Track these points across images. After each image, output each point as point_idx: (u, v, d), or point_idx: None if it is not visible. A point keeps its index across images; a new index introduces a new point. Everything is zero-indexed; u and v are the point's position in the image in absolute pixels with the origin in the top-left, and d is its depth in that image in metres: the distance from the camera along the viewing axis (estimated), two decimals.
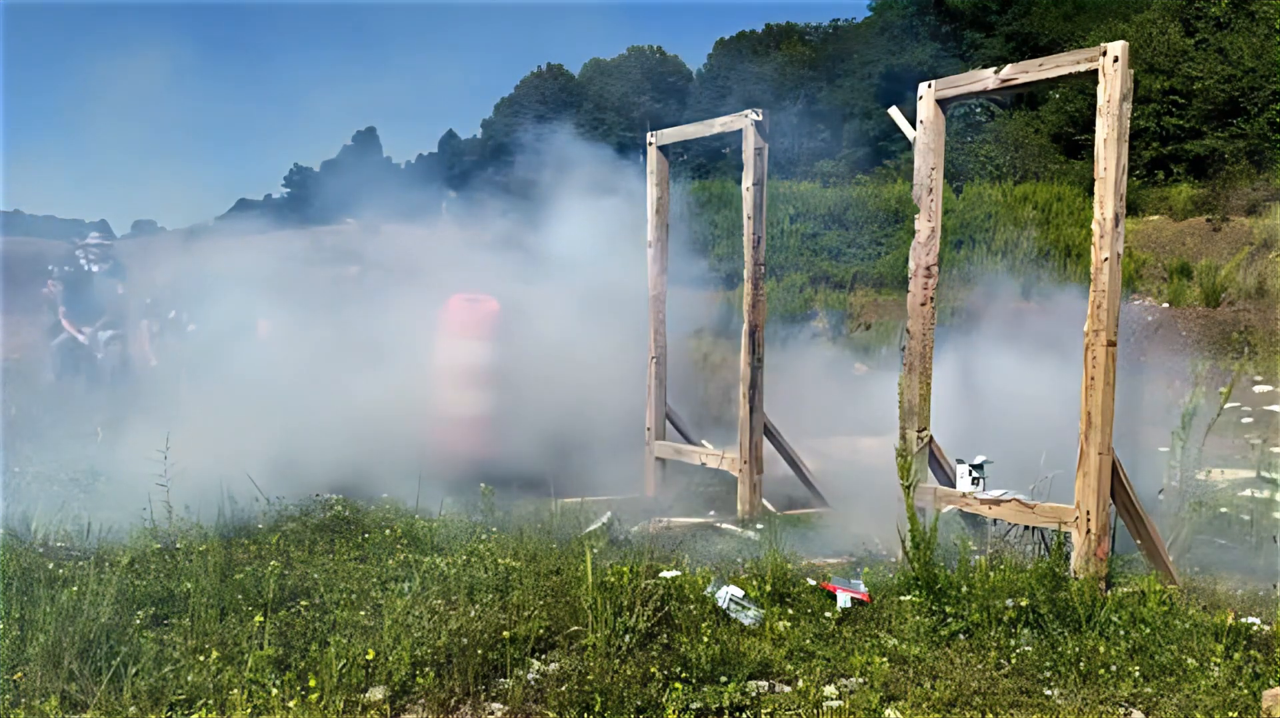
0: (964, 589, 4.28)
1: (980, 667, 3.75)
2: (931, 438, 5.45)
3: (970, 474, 5.31)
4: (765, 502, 6.88)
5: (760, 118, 6.55)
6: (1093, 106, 4.63)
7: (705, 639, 3.75)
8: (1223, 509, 5.75)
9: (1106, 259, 4.54)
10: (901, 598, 4.46)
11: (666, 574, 4.48)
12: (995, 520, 5.25)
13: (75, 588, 3.75)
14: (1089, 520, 4.57)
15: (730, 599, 4.23)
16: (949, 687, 3.54)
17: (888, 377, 13.18)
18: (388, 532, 5.11)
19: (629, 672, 3.52)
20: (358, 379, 7.73)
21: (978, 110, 32.21)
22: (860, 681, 3.59)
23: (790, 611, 4.29)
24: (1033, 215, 19.79)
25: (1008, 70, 5.07)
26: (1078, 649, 3.84)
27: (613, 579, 3.94)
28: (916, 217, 5.46)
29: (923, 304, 5.43)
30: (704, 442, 7.68)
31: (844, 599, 4.38)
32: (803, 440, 8.80)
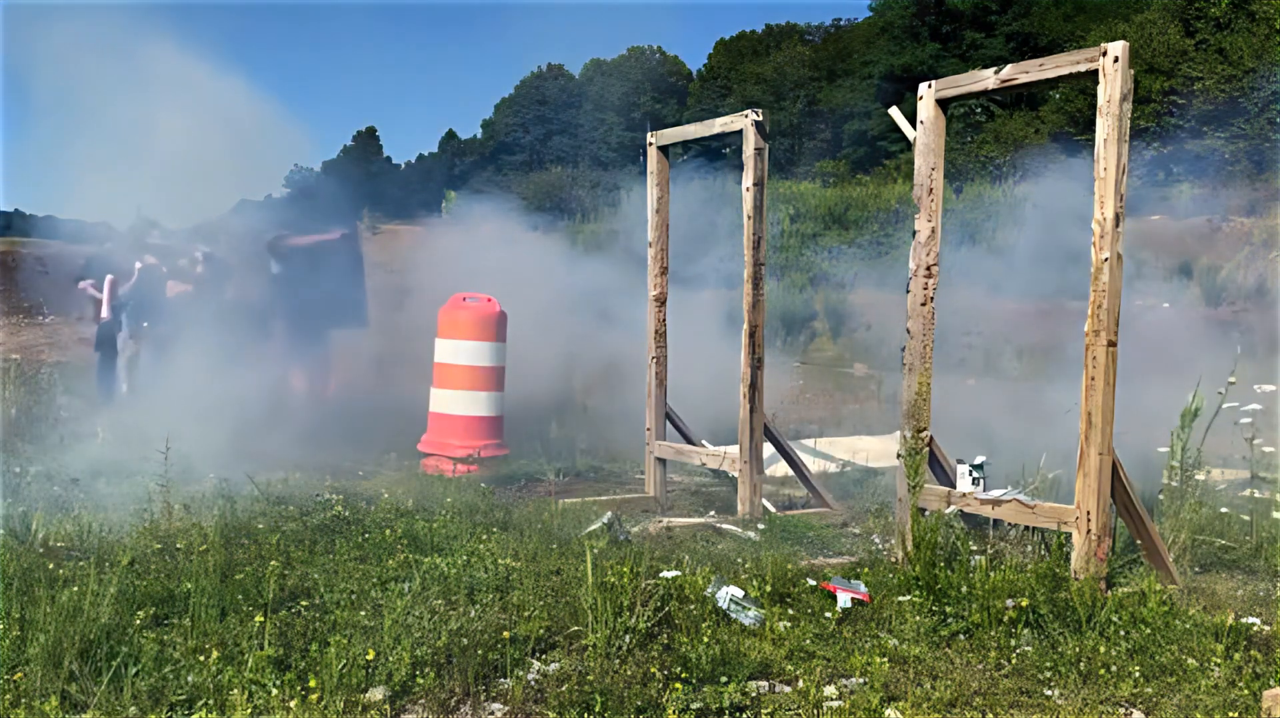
0: (964, 590, 4.28)
1: (980, 667, 3.75)
2: (932, 438, 5.44)
3: (970, 474, 5.31)
4: (765, 502, 6.88)
5: (760, 118, 6.54)
6: (1093, 106, 4.63)
7: (705, 639, 3.75)
8: (1223, 509, 5.74)
9: (1106, 259, 4.54)
10: (901, 598, 4.46)
11: (667, 574, 4.48)
12: (995, 521, 5.25)
13: (75, 588, 3.75)
14: (1089, 521, 4.57)
15: (730, 599, 4.23)
16: (949, 687, 3.54)
17: (887, 377, 13.21)
18: (388, 532, 5.10)
19: (629, 672, 3.52)
20: None
21: (978, 110, 32.23)
22: (860, 681, 3.59)
23: (790, 611, 4.29)
24: (1032, 215, 19.82)
25: (1008, 70, 5.06)
26: (1078, 650, 3.84)
27: (613, 579, 3.94)
28: (916, 216, 5.46)
29: (923, 304, 5.42)
30: (704, 441, 7.68)
31: (844, 599, 4.37)
32: (802, 440, 8.81)
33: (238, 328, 8.77)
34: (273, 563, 4.40)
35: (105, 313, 9.55)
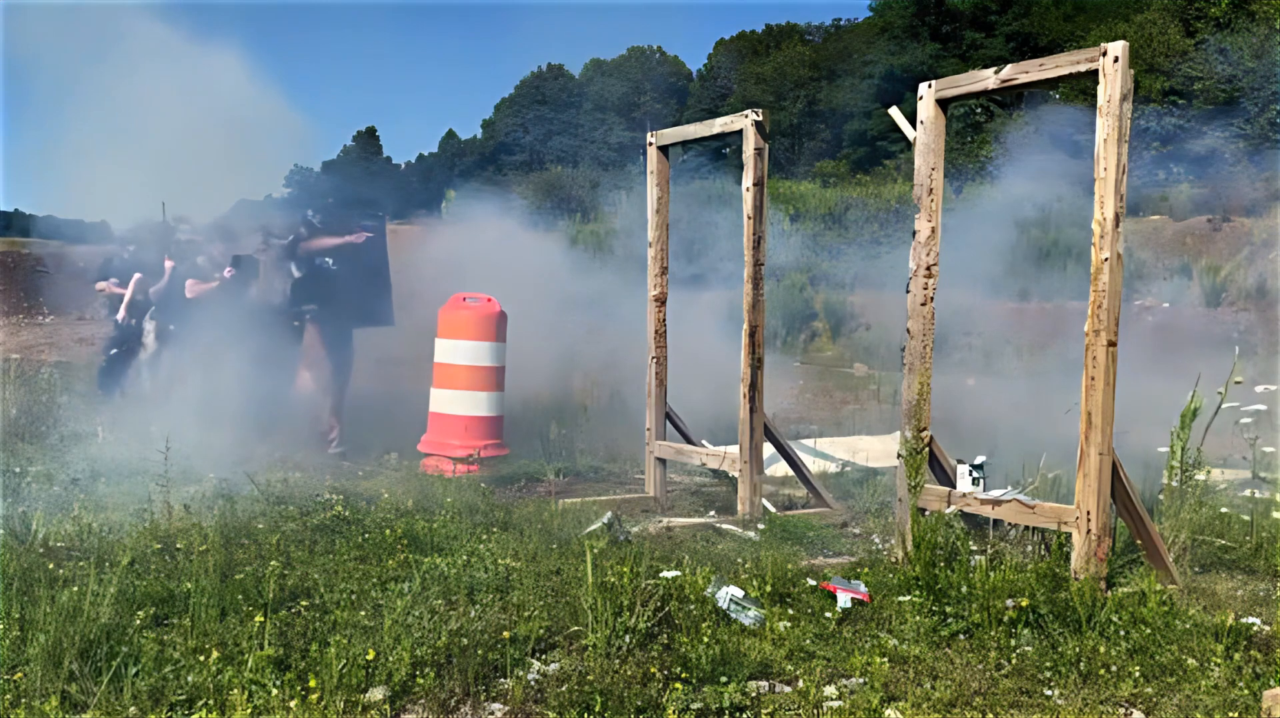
0: (964, 589, 4.28)
1: (980, 667, 3.75)
2: (932, 438, 5.44)
3: (970, 474, 5.31)
4: (765, 502, 6.88)
5: (760, 118, 6.54)
6: (1093, 107, 4.63)
7: (705, 639, 3.75)
8: (1223, 509, 5.74)
9: (1106, 259, 4.54)
10: (901, 598, 4.46)
11: (667, 575, 4.48)
12: (995, 521, 5.25)
13: (75, 588, 3.75)
14: (1089, 521, 4.57)
15: (730, 599, 4.23)
16: (949, 687, 3.54)
17: (887, 377, 13.21)
18: (388, 532, 5.10)
19: (629, 672, 3.52)
20: None
21: (978, 110, 32.24)
22: (860, 681, 3.59)
23: (790, 611, 4.29)
24: (1031, 215, 19.83)
25: (1008, 70, 5.06)
26: (1078, 650, 3.84)
27: (613, 580, 3.94)
28: (916, 216, 5.46)
29: (923, 304, 5.42)
30: (704, 441, 7.67)
31: (844, 599, 4.37)
32: (802, 440, 8.81)
33: (263, 330, 8.71)
34: (273, 563, 4.40)
35: (123, 314, 9.37)
